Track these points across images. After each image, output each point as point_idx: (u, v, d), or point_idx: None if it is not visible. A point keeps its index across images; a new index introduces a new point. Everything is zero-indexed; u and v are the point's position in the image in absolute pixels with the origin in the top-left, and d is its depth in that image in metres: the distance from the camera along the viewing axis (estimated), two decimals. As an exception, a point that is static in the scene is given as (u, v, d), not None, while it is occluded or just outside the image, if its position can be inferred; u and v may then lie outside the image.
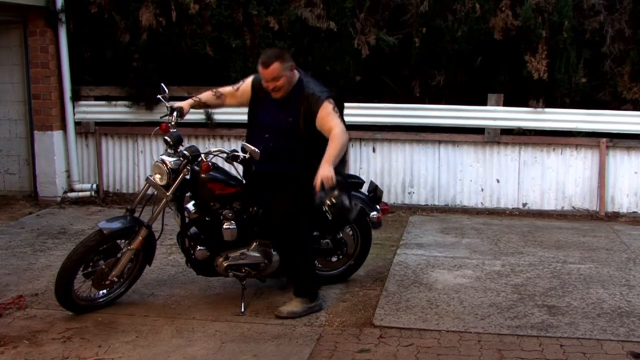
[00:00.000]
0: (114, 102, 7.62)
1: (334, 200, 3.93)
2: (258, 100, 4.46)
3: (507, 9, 6.76)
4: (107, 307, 4.38)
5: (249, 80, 4.57)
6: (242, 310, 4.36)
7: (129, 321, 4.22)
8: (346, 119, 4.38)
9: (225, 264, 4.36)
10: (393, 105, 7.17)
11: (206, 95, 4.65)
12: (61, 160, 7.64)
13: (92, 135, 7.77)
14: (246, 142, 4.25)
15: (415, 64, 7.06)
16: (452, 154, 7.23)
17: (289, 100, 4.32)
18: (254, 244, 4.43)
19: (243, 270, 4.41)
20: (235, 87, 4.62)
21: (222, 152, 4.31)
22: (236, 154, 4.23)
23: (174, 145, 4.31)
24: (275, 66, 4.22)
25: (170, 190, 4.23)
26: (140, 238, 4.25)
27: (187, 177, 4.24)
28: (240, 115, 7.38)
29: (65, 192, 7.67)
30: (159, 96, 4.56)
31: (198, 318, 4.28)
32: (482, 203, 7.26)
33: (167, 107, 4.48)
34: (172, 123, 4.40)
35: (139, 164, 7.77)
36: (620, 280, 5.01)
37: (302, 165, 4.23)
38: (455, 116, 7.09)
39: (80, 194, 7.69)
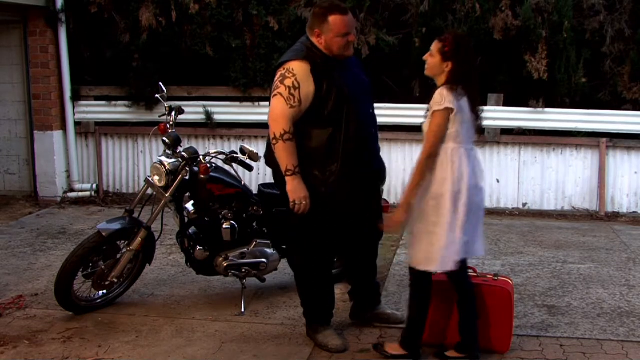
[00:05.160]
0: (113, 102, 7.63)
1: None
2: (324, 79, 3.43)
3: (507, 9, 6.75)
4: (107, 307, 4.38)
5: (298, 68, 3.39)
6: (242, 310, 4.36)
7: (129, 321, 4.22)
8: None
9: (225, 264, 4.35)
10: (393, 105, 7.15)
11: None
12: (61, 160, 7.64)
13: (92, 135, 7.77)
14: (344, 140, 3.52)
15: (415, 64, 7.03)
16: (452, 153, 7.22)
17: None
18: (254, 243, 4.42)
19: (243, 270, 4.40)
20: (291, 102, 3.37)
21: (221, 153, 4.29)
22: (235, 155, 4.21)
23: (172, 146, 4.30)
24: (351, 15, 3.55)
25: (169, 192, 4.22)
26: (140, 239, 4.24)
27: (186, 178, 4.23)
28: (240, 115, 7.51)
29: (65, 192, 7.66)
30: (157, 95, 4.57)
31: (198, 318, 4.28)
32: (482, 203, 7.25)
33: (165, 106, 4.48)
34: (171, 123, 4.40)
35: (139, 164, 7.77)
36: (620, 280, 5.01)
37: None
38: (455, 116, 7.08)
39: (80, 194, 7.69)
